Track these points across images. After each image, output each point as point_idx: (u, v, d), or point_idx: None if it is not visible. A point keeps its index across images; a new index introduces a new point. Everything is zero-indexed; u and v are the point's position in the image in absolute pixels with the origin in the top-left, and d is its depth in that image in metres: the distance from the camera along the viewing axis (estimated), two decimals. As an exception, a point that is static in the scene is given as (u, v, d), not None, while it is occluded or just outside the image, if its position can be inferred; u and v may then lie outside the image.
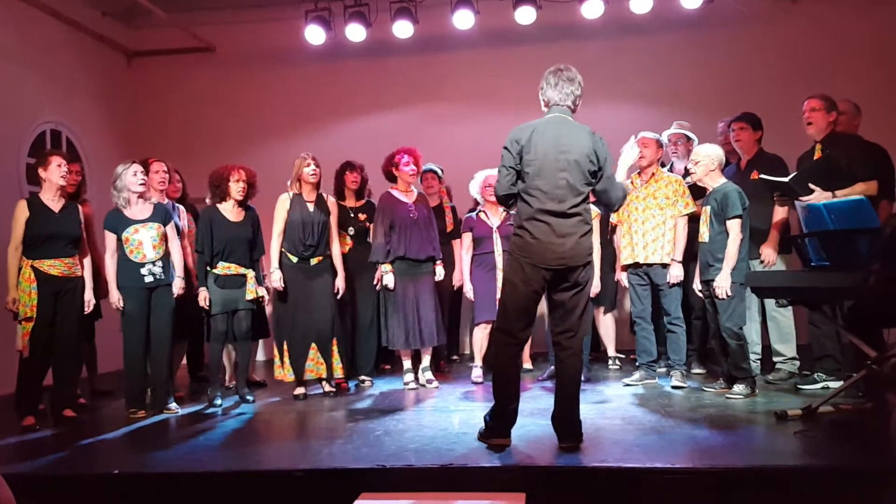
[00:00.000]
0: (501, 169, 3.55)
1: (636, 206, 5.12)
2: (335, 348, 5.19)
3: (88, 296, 4.77)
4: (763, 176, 4.54)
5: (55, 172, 4.64)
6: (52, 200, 4.67)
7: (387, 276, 5.32)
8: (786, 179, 4.40)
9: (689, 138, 5.82)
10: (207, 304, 4.92)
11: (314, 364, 5.13)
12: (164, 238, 4.81)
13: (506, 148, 3.53)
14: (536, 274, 3.45)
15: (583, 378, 5.30)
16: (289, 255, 5.16)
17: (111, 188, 4.79)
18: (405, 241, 5.31)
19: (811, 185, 4.30)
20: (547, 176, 3.44)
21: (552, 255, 3.43)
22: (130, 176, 4.73)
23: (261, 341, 6.14)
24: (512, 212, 5.52)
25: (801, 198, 4.36)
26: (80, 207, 4.84)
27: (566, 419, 3.51)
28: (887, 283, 3.42)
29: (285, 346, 5.13)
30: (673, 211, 5.02)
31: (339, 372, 5.21)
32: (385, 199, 5.45)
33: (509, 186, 3.53)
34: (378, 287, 5.58)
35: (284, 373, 5.15)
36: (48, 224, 4.59)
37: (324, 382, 5.21)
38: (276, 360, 5.18)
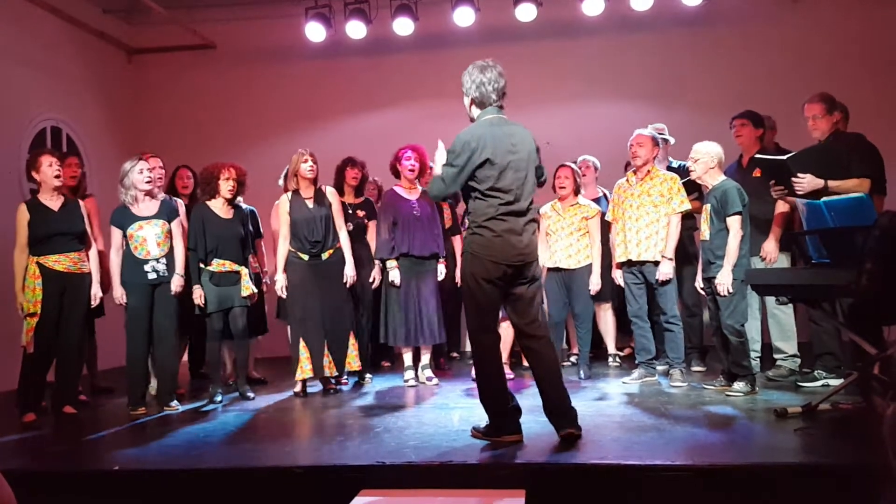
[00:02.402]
0: (449, 172, 3.54)
1: (630, 203, 5.11)
2: (351, 341, 5.21)
3: (95, 289, 4.79)
4: (759, 156, 4.54)
5: (48, 172, 4.64)
6: (51, 199, 4.67)
7: (392, 271, 5.31)
8: (783, 158, 4.40)
9: (665, 140, 5.83)
10: (203, 301, 4.92)
11: (328, 360, 5.11)
12: (169, 235, 4.82)
13: (455, 152, 3.53)
14: (498, 270, 3.53)
15: (582, 375, 5.38)
16: (299, 254, 5.14)
17: (118, 185, 4.78)
18: (408, 238, 5.31)
19: (806, 169, 4.31)
20: (506, 177, 3.52)
21: (513, 251, 3.53)
22: (137, 174, 4.74)
23: (260, 338, 6.12)
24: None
25: (793, 180, 4.34)
26: (81, 203, 4.85)
27: (559, 407, 3.55)
28: (879, 281, 3.41)
29: (302, 344, 5.09)
30: (667, 208, 5.02)
31: (356, 364, 5.23)
32: (388, 197, 5.47)
33: (448, 190, 3.60)
34: (375, 285, 5.59)
35: (308, 368, 5.08)
36: (49, 223, 4.61)
37: (324, 380, 5.21)
38: (303, 359, 5.09)
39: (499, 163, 3.51)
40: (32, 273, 4.57)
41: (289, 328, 5.26)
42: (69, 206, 4.74)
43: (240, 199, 5.32)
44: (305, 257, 5.14)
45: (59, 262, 4.61)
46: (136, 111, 8.16)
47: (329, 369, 5.12)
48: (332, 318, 5.15)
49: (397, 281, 5.30)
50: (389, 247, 5.33)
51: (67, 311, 4.66)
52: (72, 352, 4.74)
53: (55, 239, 4.61)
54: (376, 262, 5.59)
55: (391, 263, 5.32)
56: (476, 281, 3.55)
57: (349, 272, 5.27)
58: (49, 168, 4.65)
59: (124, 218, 4.75)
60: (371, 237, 5.68)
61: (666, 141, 5.83)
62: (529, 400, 4.22)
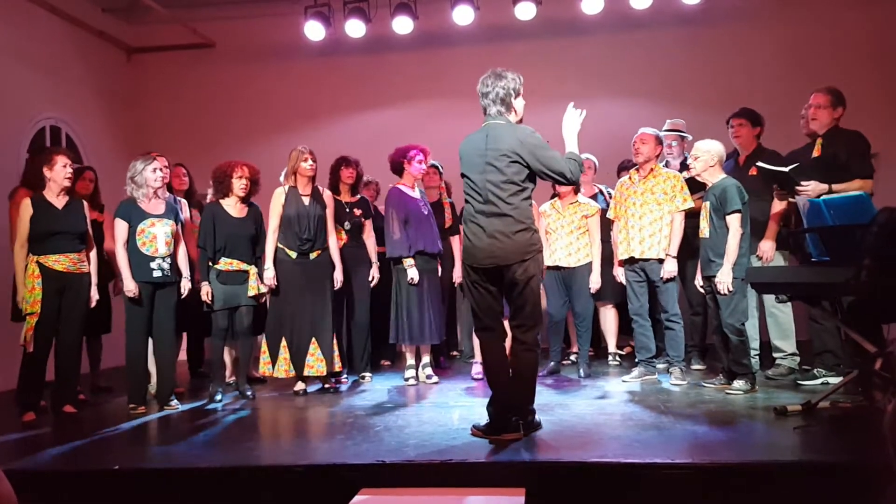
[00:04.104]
0: None
1: (633, 201, 5.11)
2: (334, 343, 5.18)
3: (93, 291, 4.77)
4: (762, 164, 4.53)
5: (60, 173, 4.63)
6: (57, 198, 4.67)
7: (411, 269, 5.22)
8: (786, 169, 4.40)
9: (682, 137, 5.83)
10: (210, 298, 4.92)
11: (315, 360, 5.11)
12: (175, 237, 4.83)
13: None
14: (474, 273, 3.65)
15: (582, 373, 5.38)
16: (287, 250, 5.13)
17: (128, 182, 4.77)
18: (422, 235, 5.29)
19: (809, 178, 4.32)
20: (474, 180, 3.65)
21: (483, 254, 3.60)
22: (150, 172, 4.75)
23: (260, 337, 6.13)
24: None
25: (798, 188, 4.35)
26: (85, 203, 4.84)
27: (513, 409, 3.60)
28: (877, 278, 3.41)
29: (283, 343, 5.11)
30: (670, 206, 5.02)
31: (338, 366, 5.21)
32: (396, 195, 5.36)
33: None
34: (374, 283, 5.58)
35: (284, 368, 5.10)
36: (52, 221, 4.59)
37: (323, 379, 5.21)
38: (265, 356, 5.14)
39: (469, 167, 3.67)
40: (32, 272, 4.56)
41: (267, 323, 5.24)
42: (73, 206, 4.72)
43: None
44: (293, 255, 5.13)
45: (59, 261, 4.60)
46: (136, 110, 8.16)
47: (316, 369, 5.10)
48: (319, 319, 5.12)
49: (416, 278, 5.24)
50: (406, 245, 5.23)
51: (66, 311, 4.65)
52: (70, 351, 4.72)
53: (56, 238, 4.59)
54: (374, 261, 5.59)
55: (409, 262, 5.24)
56: (466, 285, 3.76)
57: (338, 276, 5.27)
58: (62, 168, 4.63)
59: (133, 212, 4.72)
60: (367, 236, 5.67)
61: (683, 138, 5.83)
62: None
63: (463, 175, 3.74)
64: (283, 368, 5.11)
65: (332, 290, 5.23)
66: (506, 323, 3.81)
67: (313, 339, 5.11)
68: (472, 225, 3.66)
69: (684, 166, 5.60)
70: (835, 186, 4.30)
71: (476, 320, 3.76)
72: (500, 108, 3.69)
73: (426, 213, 5.37)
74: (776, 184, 4.62)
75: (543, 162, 3.60)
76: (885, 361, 3.74)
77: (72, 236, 4.66)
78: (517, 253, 3.56)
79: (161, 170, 4.82)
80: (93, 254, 4.82)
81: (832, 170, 4.35)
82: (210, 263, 4.96)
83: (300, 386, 5.17)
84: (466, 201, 3.74)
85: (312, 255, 5.17)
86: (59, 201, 4.68)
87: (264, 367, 5.16)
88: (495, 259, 3.58)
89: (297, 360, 5.10)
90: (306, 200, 5.18)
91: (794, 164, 4.45)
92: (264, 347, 5.18)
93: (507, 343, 3.79)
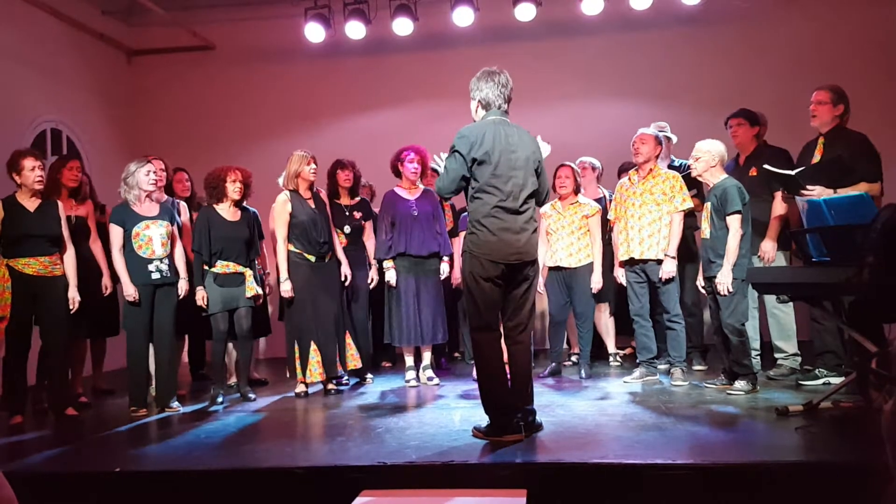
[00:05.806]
0: (450, 169, 3.66)
1: (633, 202, 5.11)
2: (349, 340, 5.26)
3: (72, 293, 4.68)
4: (768, 167, 4.52)
5: (29, 176, 4.55)
6: (28, 200, 4.60)
7: (389, 272, 5.32)
8: (792, 173, 4.39)
9: (668, 138, 5.82)
10: (205, 303, 4.93)
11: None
12: (171, 237, 4.82)
13: (456, 150, 3.63)
14: (495, 269, 3.59)
15: (583, 374, 5.38)
16: (306, 255, 5.14)
17: (121, 184, 4.78)
18: (405, 237, 5.31)
19: (815, 182, 4.31)
20: (501, 175, 3.59)
21: (509, 249, 3.58)
22: (143, 175, 4.75)
23: (261, 339, 6.13)
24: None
25: (803, 192, 4.35)
26: (59, 205, 4.76)
27: (514, 409, 3.61)
28: (880, 276, 3.41)
29: (314, 346, 5.09)
30: (669, 207, 5.02)
31: (357, 362, 5.29)
32: (388, 197, 5.48)
33: (455, 187, 3.68)
34: (373, 285, 5.59)
35: (318, 371, 5.09)
36: (23, 223, 4.53)
37: (326, 380, 5.22)
38: (299, 362, 5.10)
39: (494, 160, 3.58)
40: (1, 276, 4.49)
41: (287, 330, 5.25)
42: (45, 208, 4.63)
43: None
44: (312, 259, 5.15)
45: (29, 265, 4.52)
46: (136, 112, 8.15)
47: (332, 369, 5.13)
48: (338, 319, 5.18)
49: (393, 281, 5.31)
50: (387, 247, 5.34)
51: (46, 315, 4.59)
52: (56, 354, 4.67)
53: (27, 241, 4.52)
54: (374, 262, 5.59)
55: (388, 264, 5.33)
56: (475, 280, 3.62)
57: (346, 271, 5.31)
58: (31, 172, 4.55)
59: (127, 216, 4.73)
60: (367, 238, 5.68)
61: (668, 139, 5.83)
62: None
63: (476, 161, 3.59)
64: (318, 372, 5.10)
65: (342, 290, 5.29)
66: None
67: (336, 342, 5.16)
68: (493, 219, 3.58)
69: (670, 168, 5.60)
70: (841, 191, 4.29)
71: (475, 318, 3.67)
72: (506, 107, 3.76)
73: (416, 214, 5.35)
74: (782, 186, 4.62)
75: (544, 175, 3.82)
76: (881, 360, 3.74)
77: (44, 239, 4.58)
78: (535, 251, 3.69)
79: (155, 173, 4.82)
80: (67, 255, 4.72)
81: (839, 175, 4.33)
82: (206, 267, 4.96)
83: (301, 388, 5.16)
84: (482, 192, 3.61)
85: (327, 258, 5.23)
86: (31, 203, 4.61)
87: (299, 373, 5.12)
88: (521, 255, 3.60)
89: (327, 361, 5.11)
90: (311, 204, 5.20)
91: (799, 168, 4.45)
92: (298, 355, 5.12)
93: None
